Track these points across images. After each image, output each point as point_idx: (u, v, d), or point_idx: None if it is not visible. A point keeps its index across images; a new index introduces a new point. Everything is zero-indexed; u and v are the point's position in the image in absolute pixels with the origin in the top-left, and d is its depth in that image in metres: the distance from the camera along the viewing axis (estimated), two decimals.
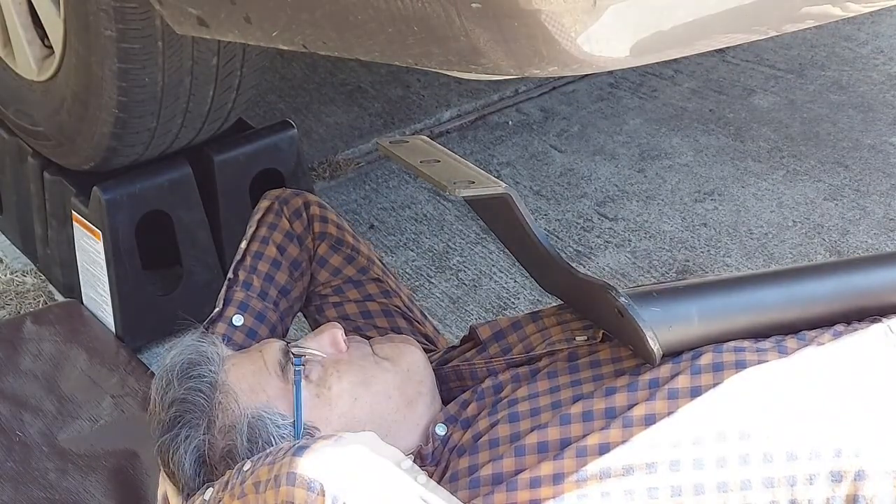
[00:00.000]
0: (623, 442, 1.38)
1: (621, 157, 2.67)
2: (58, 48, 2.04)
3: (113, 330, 2.18)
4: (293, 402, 1.48)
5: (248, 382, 1.50)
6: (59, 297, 2.32)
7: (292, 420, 1.47)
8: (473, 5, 1.20)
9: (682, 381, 1.42)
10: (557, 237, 2.43)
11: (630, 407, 1.41)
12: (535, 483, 1.38)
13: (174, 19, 1.67)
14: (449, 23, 1.23)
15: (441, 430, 1.51)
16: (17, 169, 2.34)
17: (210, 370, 1.50)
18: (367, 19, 1.31)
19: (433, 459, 1.49)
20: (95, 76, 1.96)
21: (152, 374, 2.10)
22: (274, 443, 1.45)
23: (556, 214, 2.50)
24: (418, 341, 1.64)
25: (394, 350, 1.56)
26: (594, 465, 1.37)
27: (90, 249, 2.16)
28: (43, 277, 2.37)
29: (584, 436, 1.40)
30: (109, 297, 2.16)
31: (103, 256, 2.13)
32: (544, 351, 1.55)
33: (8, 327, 2.21)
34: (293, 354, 1.50)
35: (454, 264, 2.37)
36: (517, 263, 1.68)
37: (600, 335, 1.54)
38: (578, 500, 1.36)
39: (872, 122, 2.77)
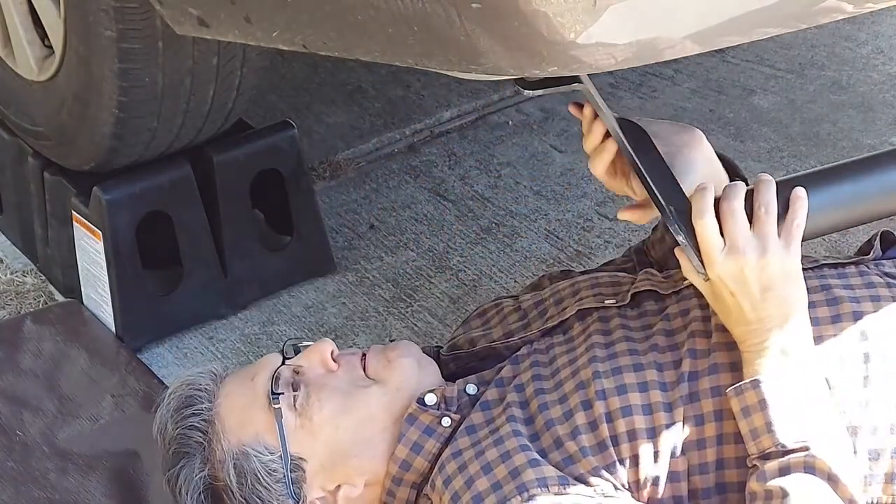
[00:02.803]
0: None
1: None
2: (58, 48, 2.04)
3: (113, 330, 2.18)
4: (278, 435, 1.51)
5: (238, 417, 1.53)
6: (59, 297, 2.32)
7: (278, 454, 1.50)
8: (473, 5, 1.20)
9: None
10: (557, 237, 2.43)
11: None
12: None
13: (174, 19, 1.67)
14: (449, 23, 1.23)
15: (472, 389, 1.54)
16: (18, 169, 2.34)
17: (204, 407, 1.54)
18: (367, 19, 1.31)
19: (458, 409, 1.52)
20: (96, 76, 1.96)
21: (153, 373, 2.10)
22: (261, 477, 1.49)
23: (557, 214, 2.50)
24: None
25: (385, 371, 1.57)
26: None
27: (90, 249, 2.16)
28: (43, 277, 2.37)
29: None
30: (109, 297, 2.16)
31: (103, 256, 2.13)
32: (574, 312, 1.59)
33: (8, 327, 2.21)
34: (274, 391, 1.52)
35: (454, 264, 2.37)
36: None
37: (628, 298, 1.58)
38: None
39: (872, 122, 2.77)
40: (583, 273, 1.80)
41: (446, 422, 1.50)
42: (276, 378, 1.53)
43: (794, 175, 1.53)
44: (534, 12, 1.17)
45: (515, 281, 2.30)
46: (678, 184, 1.49)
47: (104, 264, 2.13)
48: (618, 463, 1.41)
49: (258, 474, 1.49)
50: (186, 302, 2.20)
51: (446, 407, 1.52)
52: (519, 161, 2.68)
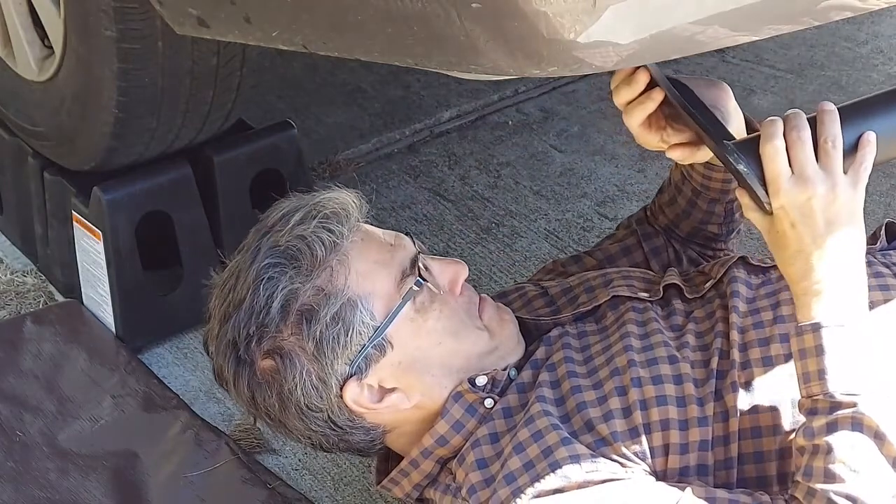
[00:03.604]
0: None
1: (621, 157, 2.67)
2: (58, 48, 2.04)
3: (113, 330, 2.18)
4: (390, 311, 1.50)
5: (365, 267, 1.51)
6: (59, 297, 2.32)
7: (377, 325, 1.49)
8: (473, 5, 1.20)
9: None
10: (557, 237, 2.43)
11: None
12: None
13: (174, 20, 1.67)
14: (449, 23, 1.23)
15: (514, 373, 1.56)
16: (18, 169, 2.34)
17: (341, 232, 1.51)
18: (367, 19, 1.31)
19: (501, 391, 1.53)
20: (95, 76, 1.96)
21: (153, 373, 2.10)
22: (350, 331, 1.48)
23: (556, 214, 2.50)
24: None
25: (497, 325, 1.58)
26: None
27: (90, 249, 2.16)
28: (43, 277, 2.37)
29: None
30: (109, 297, 2.16)
31: (103, 256, 2.13)
32: (607, 298, 1.60)
33: (8, 327, 2.21)
34: (420, 276, 1.52)
35: None
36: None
37: (661, 293, 1.60)
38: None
39: None
40: (588, 255, 1.81)
41: (489, 403, 1.51)
42: (415, 263, 1.53)
43: (852, 102, 1.50)
44: (534, 12, 1.17)
45: (515, 281, 2.30)
46: (725, 126, 1.49)
47: (104, 264, 2.14)
48: (648, 451, 1.42)
49: (350, 328, 1.48)
50: (186, 302, 2.20)
51: (491, 388, 1.53)
52: (519, 161, 2.69)
